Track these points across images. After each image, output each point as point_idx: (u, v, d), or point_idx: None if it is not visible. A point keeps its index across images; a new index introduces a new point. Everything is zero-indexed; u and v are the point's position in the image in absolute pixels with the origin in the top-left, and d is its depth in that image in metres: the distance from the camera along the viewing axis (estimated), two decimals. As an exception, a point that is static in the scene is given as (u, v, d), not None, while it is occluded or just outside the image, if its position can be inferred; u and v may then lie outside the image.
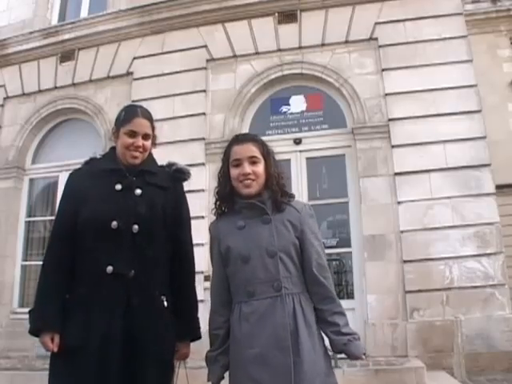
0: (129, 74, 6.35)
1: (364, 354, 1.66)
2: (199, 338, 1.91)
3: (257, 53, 5.98)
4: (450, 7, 5.64)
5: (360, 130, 5.46)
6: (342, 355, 1.71)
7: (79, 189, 1.84)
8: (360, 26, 5.73)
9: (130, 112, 1.92)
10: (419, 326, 4.79)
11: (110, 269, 1.72)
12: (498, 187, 5.72)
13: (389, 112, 5.43)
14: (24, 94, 6.82)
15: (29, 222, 6.58)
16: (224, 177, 1.81)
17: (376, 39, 5.68)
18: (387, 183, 5.25)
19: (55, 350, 1.69)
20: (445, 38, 5.52)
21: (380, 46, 5.65)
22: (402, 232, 5.06)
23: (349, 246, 5.40)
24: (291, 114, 5.93)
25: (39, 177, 6.74)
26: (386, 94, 5.50)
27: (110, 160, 1.93)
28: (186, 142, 5.81)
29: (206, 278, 4.57)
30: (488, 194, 5.06)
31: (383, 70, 5.58)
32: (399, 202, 5.15)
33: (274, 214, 1.74)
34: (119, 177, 1.85)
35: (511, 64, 10.19)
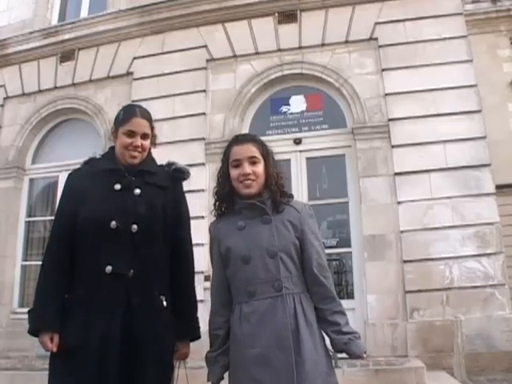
0: (129, 73, 6.35)
1: (365, 353, 1.66)
2: (199, 337, 1.91)
3: (257, 53, 5.98)
4: (450, 7, 5.64)
5: (360, 129, 5.46)
6: (343, 355, 1.71)
7: (78, 189, 1.84)
8: (360, 25, 5.73)
9: (129, 112, 1.92)
10: (419, 326, 4.79)
11: (109, 269, 1.72)
12: (498, 187, 5.72)
13: (389, 112, 5.43)
14: (24, 94, 6.82)
15: (29, 222, 6.58)
16: (224, 177, 1.81)
17: (376, 39, 5.69)
18: (387, 183, 5.25)
19: (54, 349, 1.69)
20: (445, 38, 5.52)
21: (380, 46, 5.66)
22: (401, 232, 5.06)
23: (349, 246, 5.40)
24: (291, 113, 5.93)
25: (39, 177, 6.74)
26: (386, 94, 5.50)
27: (109, 160, 1.93)
28: (185, 142, 5.81)
29: (206, 278, 4.58)
30: (488, 194, 5.06)
31: (383, 70, 5.58)
32: (399, 202, 5.15)
33: (274, 214, 1.74)
34: (118, 177, 1.85)
35: (511, 64, 10.19)
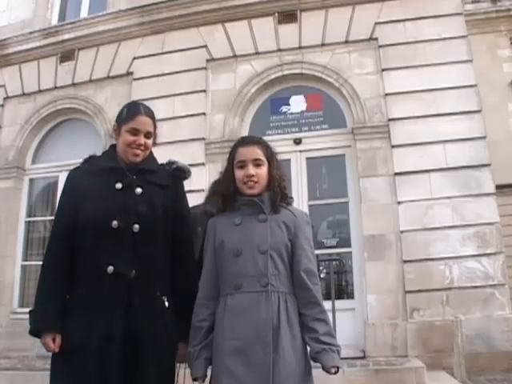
0: (129, 73, 6.35)
1: (337, 368, 1.62)
2: (200, 337, 1.90)
3: (257, 53, 5.98)
4: (450, 7, 5.64)
5: (360, 129, 5.46)
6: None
7: (78, 187, 1.83)
8: (360, 25, 5.73)
9: (133, 109, 1.91)
10: (419, 326, 4.79)
11: (110, 269, 1.71)
12: (498, 187, 5.72)
13: (389, 112, 5.43)
14: (24, 94, 6.82)
15: (29, 222, 6.58)
16: (228, 177, 1.84)
17: (376, 39, 5.69)
18: (387, 183, 5.25)
19: (56, 350, 1.69)
20: (445, 38, 5.52)
21: (380, 46, 5.66)
22: (401, 232, 5.06)
23: (349, 246, 5.40)
24: (291, 113, 5.93)
25: (39, 177, 6.74)
26: (386, 94, 5.50)
27: (109, 158, 1.92)
28: (185, 142, 5.81)
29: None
30: (488, 194, 5.06)
31: (383, 70, 5.58)
32: (399, 202, 5.15)
33: (270, 214, 1.77)
34: (119, 175, 1.85)
35: (511, 64, 10.19)
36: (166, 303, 1.82)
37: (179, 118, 5.94)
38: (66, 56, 6.69)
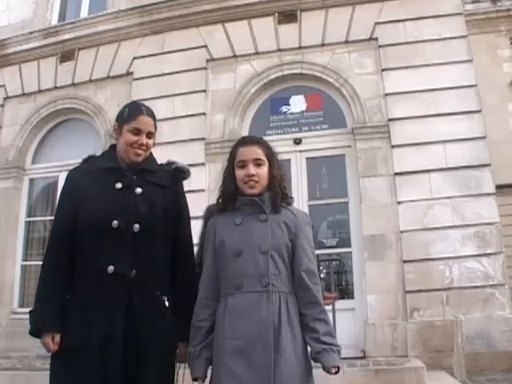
0: (129, 74, 6.35)
1: (338, 368, 1.62)
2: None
3: (257, 53, 5.98)
4: (450, 7, 5.64)
5: (360, 129, 5.46)
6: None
7: (78, 187, 1.83)
8: (360, 25, 5.73)
9: (135, 109, 1.91)
10: (419, 326, 4.79)
11: (111, 268, 1.71)
12: (498, 187, 5.72)
13: (389, 112, 5.43)
14: (24, 94, 6.82)
15: (29, 222, 6.58)
16: (229, 177, 1.84)
17: (376, 39, 5.69)
18: (387, 183, 5.25)
19: (56, 349, 1.69)
20: (445, 38, 5.52)
21: (380, 46, 5.66)
22: (402, 232, 5.06)
23: (349, 246, 5.40)
24: (291, 114, 5.93)
25: (39, 177, 6.74)
26: (386, 94, 5.50)
27: (109, 158, 1.92)
28: (185, 142, 5.81)
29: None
30: (488, 194, 5.06)
31: (383, 70, 5.58)
32: (399, 202, 5.15)
33: (271, 214, 1.77)
34: (119, 175, 1.85)
35: (511, 64, 10.19)
36: (166, 303, 1.82)
37: (179, 117, 5.94)
38: (66, 56, 6.69)
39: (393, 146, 5.33)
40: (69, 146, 6.42)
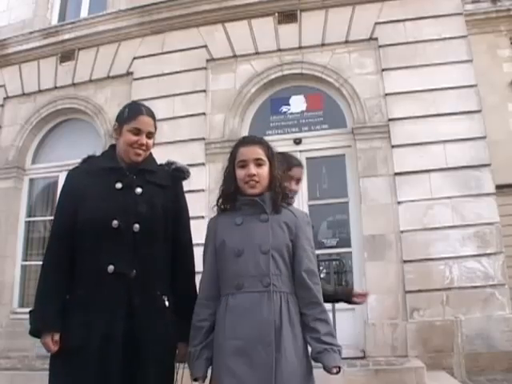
0: (129, 73, 6.35)
1: (339, 368, 1.62)
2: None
3: (257, 53, 5.98)
4: (450, 7, 5.64)
5: (360, 130, 5.47)
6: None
7: (78, 187, 1.83)
8: (360, 25, 5.73)
9: (135, 109, 1.92)
10: (419, 326, 4.80)
11: (111, 268, 1.71)
12: (498, 187, 5.72)
13: (389, 112, 5.43)
14: (24, 94, 6.82)
15: (29, 222, 6.58)
16: (230, 177, 1.84)
17: (376, 39, 5.69)
18: (387, 183, 5.25)
19: (55, 349, 1.69)
20: (445, 38, 5.52)
21: (380, 46, 5.66)
22: (402, 232, 5.06)
23: (349, 246, 5.39)
24: (291, 113, 5.93)
25: (39, 177, 6.74)
26: (386, 94, 5.50)
27: (109, 158, 1.92)
28: (185, 142, 5.81)
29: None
30: (488, 194, 5.07)
31: (383, 70, 5.58)
32: (399, 202, 5.15)
33: (272, 214, 1.77)
34: (119, 175, 1.85)
35: (511, 64, 10.19)
36: (167, 303, 1.82)
37: (179, 117, 5.94)
38: (66, 56, 6.69)
39: (393, 146, 5.33)
40: (69, 146, 6.42)
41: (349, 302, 2.33)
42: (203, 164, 5.72)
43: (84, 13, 7.09)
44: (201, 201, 5.27)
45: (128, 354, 1.66)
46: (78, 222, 1.78)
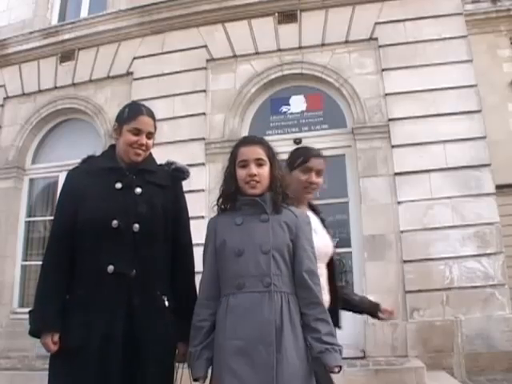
0: (129, 73, 6.35)
1: (340, 368, 1.63)
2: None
3: (257, 53, 5.98)
4: (450, 7, 5.64)
5: (360, 129, 5.46)
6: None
7: (78, 187, 1.83)
8: (360, 25, 5.73)
9: (135, 110, 1.92)
10: (419, 326, 4.79)
11: (111, 268, 1.72)
12: (498, 187, 5.72)
13: (389, 112, 5.43)
14: (24, 94, 6.82)
15: (29, 222, 6.58)
16: (230, 177, 1.84)
17: (376, 39, 5.68)
18: (387, 183, 5.25)
19: (55, 349, 1.69)
20: (445, 38, 5.52)
21: (380, 46, 5.65)
22: (402, 232, 5.06)
23: (349, 246, 5.38)
24: (291, 113, 5.93)
25: (39, 177, 6.74)
26: (386, 94, 5.50)
27: (109, 158, 1.93)
28: (185, 142, 5.81)
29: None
30: (488, 194, 5.06)
31: (383, 70, 5.58)
32: (399, 202, 5.15)
33: (272, 214, 1.77)
34: (119, 175, 1.85)
35: (511, 64, 10.19)
36: (166, 303, 1.82)
37: (179, 117, 5.94)
38: (66, 56, 6.69)
39: (393, 146, 5.33)
40: (69, 146, 6.42)
41: (373, 316, 2.29)
42: (203, 164, 5.72)
43: (84, 13, 7.09)
44: (201, 201, 5.27)
45: (128, 354, 1.67)
46: (78, 221, 1.78)
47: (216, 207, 1.89)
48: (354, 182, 5.45)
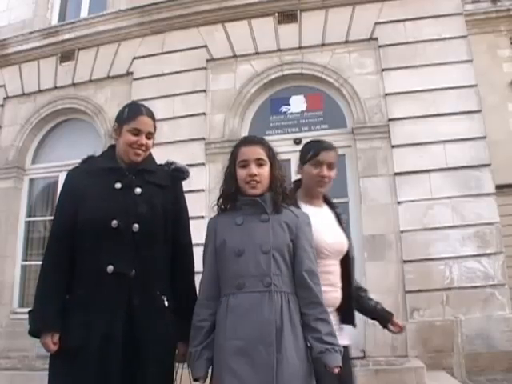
0: (129, 73, 6.35)
1: (339, 368, 1.63)
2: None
3: (257, 53, 5.98)
4: (450, 7, 5.64)
5: (360, 129, 5.46)
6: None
7: (78, 187, 1.83)
8: (360, 25, 5.73)
9: (135, 110, 1.92)
10: (419, 326, 4.79)
11: (110, 268, 1.72)
12: (498, 187, 5.72)
13: (389, 112, 5.43)
14: (24, 94, 6.82)
15: (29, 222, 6.58)
16: (231, 177, 1.84)
17: (376, 39, 5.68)
18: (387, 183, 5.25)
19: (54, 349, 1.69)
20: (445, 38, 5.52)
21: (380, 46, 5.65)
22: (402, 232, 5.06)
23: (349, 245, 5.38)
24: (291, 113, 5.93)
25: (39, 177, 6.74)
26: (386, 94, 5.50)
27: (108, 158, 1.93)
28: (185, 142, 5.81)
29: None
30: (488, 194, 5.06)
31: (383, 70, 5.58)
32: (399, 202, 5.15)
33: (272, 214, 1.77)
34: (119, 175, 1.85)
35: (511, 64, 10.19)
36: (166, 303, 1.82)
37: (179, 117, 5.94)
38: (66, 56, 6.69)
39: (393, 146, 5.33)
40: (69, 146, 6.42)
41: (383, 325, 2.24)
42: (203, 164, 5.72)
43: (84, 13, 7.08)
44: (201, 201, 5.27)
45: (128, 354, 1.67)
46: (78, 222, 1.78)
47: (216, 207, 1.89)
48: (353, 182, 5.45)
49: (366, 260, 5.07)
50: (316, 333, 1.65)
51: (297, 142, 5.75)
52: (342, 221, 2.16)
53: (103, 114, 6.28)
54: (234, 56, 6.04)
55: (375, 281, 4.98)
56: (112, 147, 1.98)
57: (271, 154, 1.85)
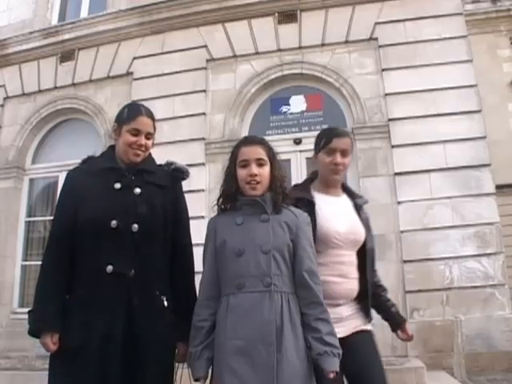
0: (129, 74, 6.35)
1: (336, 373, 1.62)
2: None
3: (257, 53, 5.98)
4: (450, 7, 5.65)
5: (360, 130, 5.47)
6: None
7: (78, 187, 1.84)
8: (360, 25, 5.73)
9: (134, 110, 1.92)
10: (419, 326, 4.79)
11: (110, 268, 1.72)
12: (498, 187, 5.72)
13: (389, 112, 5.43)
14: (24, 94, 6.82)
15: (29, 222, 6.58)
16: (231, 177, 1.84)
17: (376, 39, 5.69)
18: (387, 183, 5.25)
19: (54, 349, 1.69)
20: (445, 38, 5.52)
21: (380, 46, 5.66)
22: (401, 232, 5.06)
23: (349, 246, 5.38)
24: (291, 113, 5.93)
25: (39, 177, 6.74)
26: (386, 94, 5.50)
27: (108, 159, 1.93)
28: (185, 142, 5.81)
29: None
30: (488, 194, 5.07)
31: (383, 70, 5.58)
32: (399, 202, 5.15)
33: (272, 214, 1.77)
34: (118, 176, 1.85)
35: (511, 64, 10.19)
36: (166, 303, 1.82)
37: (179, 117, 5.94)
38: (66, 56, 6.69)
39: (393, 146, 5.33)
40: (69, 146, 6.43)
41: (393, 329, 2.19)
42: (203, 164, 5.72)
43: (84, 13, 7.09)
44: (201, 201, 5.27)
45: (128, 354, 1.67)
46: (78, 222, 1.78)
47: (216, 207, 1.89)
48: (353, 181, 5.44)
49: (366, 260, 5.07)
50: (316, 333, 1.65)
51: (297, 142, 5.75)
52: (362, 211, 2.08)
53: (103, 114, 6.28)
54: (234, 56, 6.04)
55: (375, 281, 4.98)
56: (112, 147, 1.98)
57: (271, 154, 1.85)
